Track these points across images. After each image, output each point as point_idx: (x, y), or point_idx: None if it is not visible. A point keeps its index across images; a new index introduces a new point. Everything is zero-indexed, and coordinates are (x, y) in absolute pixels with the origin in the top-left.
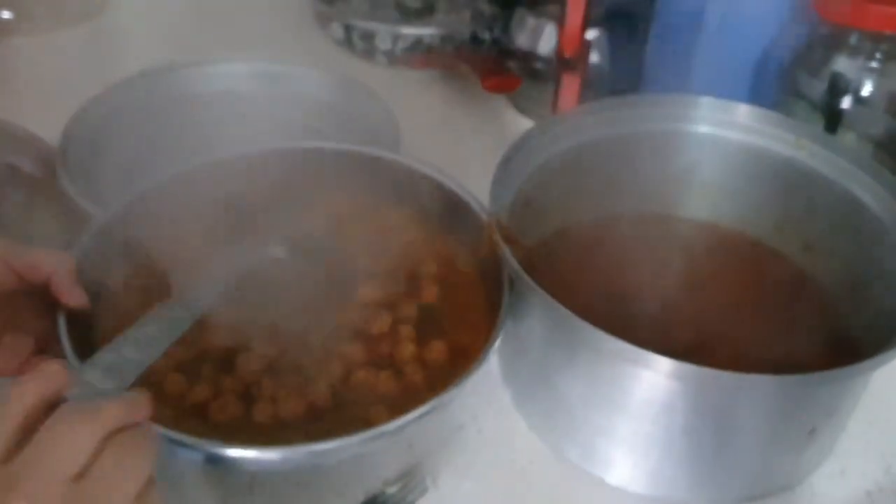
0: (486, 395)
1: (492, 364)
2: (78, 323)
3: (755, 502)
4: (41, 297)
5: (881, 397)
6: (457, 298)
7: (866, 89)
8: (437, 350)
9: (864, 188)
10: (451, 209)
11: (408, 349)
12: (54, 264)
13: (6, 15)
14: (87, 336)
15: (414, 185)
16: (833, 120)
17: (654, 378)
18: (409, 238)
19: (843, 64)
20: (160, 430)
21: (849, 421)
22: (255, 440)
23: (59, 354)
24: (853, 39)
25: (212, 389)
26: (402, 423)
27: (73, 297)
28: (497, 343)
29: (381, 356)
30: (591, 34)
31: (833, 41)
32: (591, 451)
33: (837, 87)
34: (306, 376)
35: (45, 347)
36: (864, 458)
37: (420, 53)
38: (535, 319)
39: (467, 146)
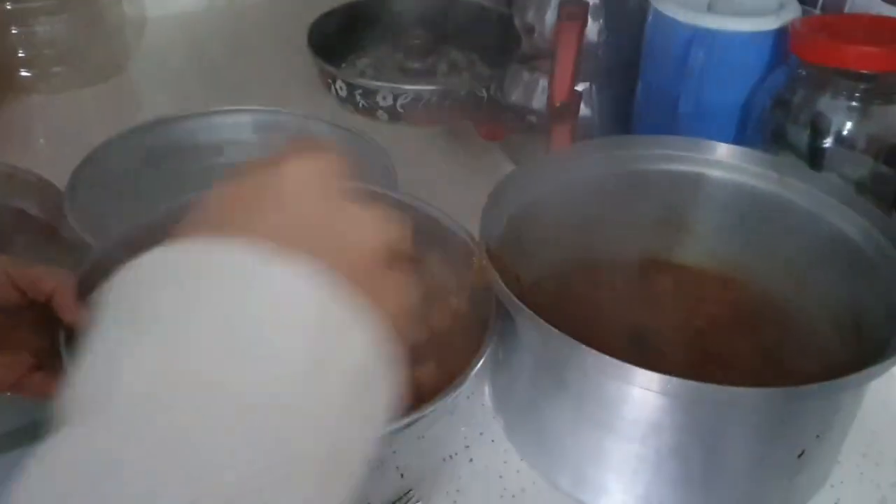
0: (478, 426)
1: (485, 396)
2: (77, 339)
3: None
4: (40, 315)
5: (875, 428)
6: (450, 329)
7: (847, 129)
8: (428, 369)
9: (850, 223)
10: (439, 238)
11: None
12: (57, 281)
13: (25, 73)
14: None
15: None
16: (815, 161)
17: (640, 395)
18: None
19: (824, 104)
20: None
21: (841, 451)
22: None
23: (57, 370)
24: (833, 80)
25: None
26: (385, 430)
27: (75, 313)
28: (483, 360)
29: None
30: (581, 87)
31: (814, 83)
32: (581, 478)
33: (819, 127)
34: None
35: (43, 364)
36: (859, 489)
37: (420, 109)
38: (525, 346)
39: (464, 195)
